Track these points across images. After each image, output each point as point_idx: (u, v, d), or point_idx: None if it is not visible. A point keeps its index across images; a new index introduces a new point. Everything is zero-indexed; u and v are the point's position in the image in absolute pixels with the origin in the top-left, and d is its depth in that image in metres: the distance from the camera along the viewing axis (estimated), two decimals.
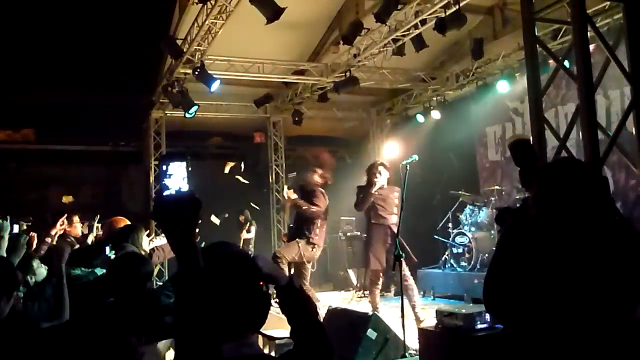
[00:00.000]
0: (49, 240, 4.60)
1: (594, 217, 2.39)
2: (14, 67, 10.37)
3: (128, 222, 5.99)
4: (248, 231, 11.40)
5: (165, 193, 1.55)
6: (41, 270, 4.08)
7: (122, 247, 4.54)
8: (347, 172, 11.35)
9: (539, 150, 4.31)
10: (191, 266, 1.51)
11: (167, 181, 1.56)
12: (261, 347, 1.92)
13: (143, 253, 4.89)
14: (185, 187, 1.56)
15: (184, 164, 1.60)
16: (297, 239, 7.14)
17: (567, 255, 2.30)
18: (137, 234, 4.81)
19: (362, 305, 8.38)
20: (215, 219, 6.44)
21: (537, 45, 4.61)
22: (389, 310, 7.39)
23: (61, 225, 4.74)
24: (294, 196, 7.08)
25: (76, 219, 6.17)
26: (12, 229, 4.68)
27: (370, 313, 5.77)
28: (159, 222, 1.58)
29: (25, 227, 4.73)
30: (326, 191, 7.47)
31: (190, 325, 1.49)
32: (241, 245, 11.00)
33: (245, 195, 12.69)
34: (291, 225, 7.53)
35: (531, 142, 3.36)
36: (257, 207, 11.51)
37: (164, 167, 1.59)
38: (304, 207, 7.00)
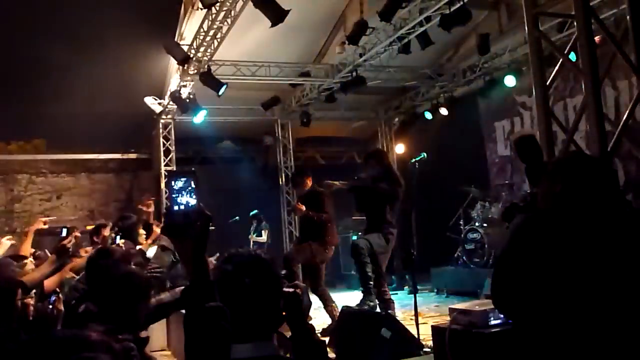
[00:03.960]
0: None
1: (603, 211, 2.40)
2: (23, 79, 10.47)
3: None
4: (259, 235, 11.40)
5: (175, 208, 1.61)
6: None
7: None
8: (356, 173, 11.36)
9: (546, 145, 4.32)
10: (201, 278, 1.56)
11: (175, 197, 1.62)
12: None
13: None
14: (193, 202, 1.61)
15: (191, 179, 1.66)
16: (310, 241, 7.17)
17: (576, 251, 2.31)
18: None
19: None
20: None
21: (542, 40, 4.62)
22: (402, 309, 7.42)
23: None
24: (303, 208, 7.13)
25: (106, 231, 6.25)
26: (61, 232, 4.97)
27: (384, 312, 5.79)
28: (169, 236, 1.64)
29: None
30: (336, 191, 7.53)
31: (201, 333, 1.54)
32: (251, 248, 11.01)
33: (257, 199, 12.75)
34: (302, 227, 7.59)
35: (536, 138, 3.36)
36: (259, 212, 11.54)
37: (172, 183, 1.64)
38: (315, 219, 7.07)
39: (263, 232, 11.35)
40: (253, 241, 11.20)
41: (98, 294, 2.83)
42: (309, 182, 7.48)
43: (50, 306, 3.80)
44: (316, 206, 7.15)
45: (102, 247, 4.42)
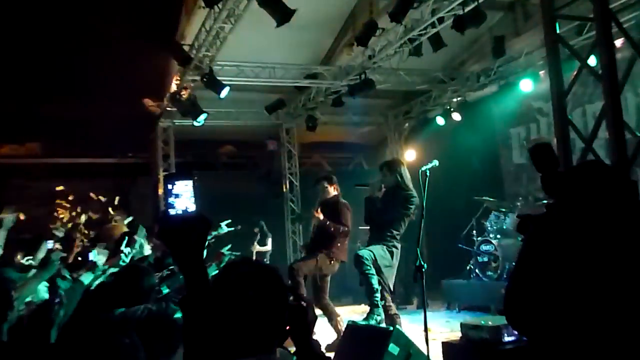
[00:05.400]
0: None
1: (620, 224, 2.41)
2: (18, 79, 10.53)
3: (124, 228, 6.16)
4: (263, 244, 11.46)
5: (172, 213, 1.61)
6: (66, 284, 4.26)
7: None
8: (364, 179, 11.38)
9: (563, 153, 4.34)
10: (200, 288, 1.57)
11: (172, 200, 1.62)
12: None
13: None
14: (192, 208, 1.62)
15: (190, 182, 1.66)
16: (317, 252, 7.21)
17: (591, 264, 2.32)
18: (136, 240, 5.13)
19: None
20: (225, 227, 6.47)
21: (560, 44, 4.65)
22: (411, 324, 7.41)
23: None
24: (321, 216, 7.16)
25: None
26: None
27: (392, 327, 5.78)
28: (165, 242, 1.65)
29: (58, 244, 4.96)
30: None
31: (200, 347, 1.55)
32: (254, 257, 11.07)
33: (259, 206, 12.78)
34: (313, 236, 7.61)
35: (552, 145, 3.38)
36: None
37: (170, 186, 1.65)
38: (332, 229, 7.10)
39: (267, 240, 11.41)
40: (256, 251, 11.23)
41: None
42: (333, 189, 7.51)
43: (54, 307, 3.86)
44: (333, 217, 7.18)
45: (135, 265, 4.49)
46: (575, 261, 2.35)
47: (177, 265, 1.65)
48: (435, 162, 6.21)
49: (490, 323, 4.85)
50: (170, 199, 1.63)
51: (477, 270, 9.77)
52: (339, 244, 7.22)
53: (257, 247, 11.37)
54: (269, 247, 11.50)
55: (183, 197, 1.64)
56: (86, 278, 4.21)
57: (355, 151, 15.83)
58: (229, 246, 5.82)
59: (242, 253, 10.63)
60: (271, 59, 10.34)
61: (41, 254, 5.17)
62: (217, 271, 4.82)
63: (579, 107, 9.52)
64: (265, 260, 11.30)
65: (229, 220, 6.35)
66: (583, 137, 4.76)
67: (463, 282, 10.16)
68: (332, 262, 7.21)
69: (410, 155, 12.92)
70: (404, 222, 6.67)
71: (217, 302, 1.73)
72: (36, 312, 3.95)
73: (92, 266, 4.34)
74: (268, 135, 14.02)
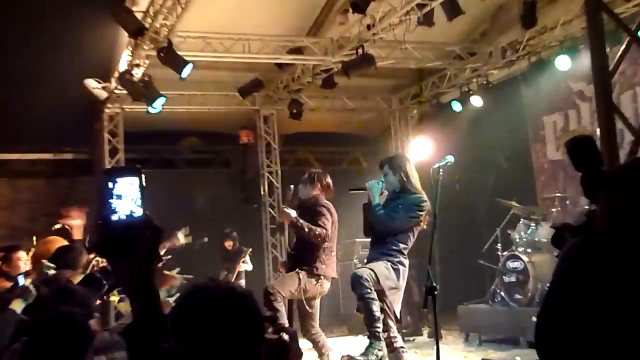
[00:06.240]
0: None
1: None
2: None
3: (64, 242, 6.11)
4: (234, 261, 11.46)
5: (113, 219, 1.59)
6: None
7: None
8: (361, 180, 11.40)
9: (608, 148, 4.36)
10: (150, 312, 1.56)
11: (114, 203, 1.59)
12: None
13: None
14: (139, 212, 1.60)
15: (136, 179, 1.64)
16: (298, 270, 7.16)
17: None
18: (77, 257, 5.05)
19: None
20: (182, 237, 6.48)
21: (603, 12, 4.67)
22: (422, 358, 7.45)
23: None
24: (293, 213, 7.05)
25: (21, 254, 6.26)
26: None
27: None
28: (104, 256, 1.64)
29: None
30: (335, 205, 7.49)
31: None
32: (234, 278, 11.05)
33: (230, 213, 12.76)
34: (292, 251, 7.56)
35: (595, 140, 3.39)
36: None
37: (110, 185, 1.62)
38: (305, 230, 6.98)
39: (246, 257, 11.42)
40: (239, 271, 11.25)
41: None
42: (313, 189, 7.42)
43: None
44: (310, 218, 7.11)
45: (63, 287, 4.45)
46: (624, 283, 2.35)
47: (120, 286, 1.62)
48: (451, 158, 6.24)
49: (518, 359, 4.88)
50: (111, 201, 1.61)
51: (502, 293, 9.79)
52: (324, 257, 7.16)
53: (241, 267, 11.35)
54: (249, 265, 11.51)
55: (127, 199, 1.61)
56: (18, 305, 4.20)
57: (351, 145, 15.85)
58: (178, 269, 5.79)
59: (209, 274, 10.65)
60: (245, 29, 10.32)
61: None
62: (168, 297, 4.80)
63: (629, 89, 9.58)
64: (241, 281, 11.29)
65: (187, 228, 6.31)
66: (633, 128, 4.79)
67: (485, 307, 10.18)
68: (319, 281, 7.15)
69: (419, 149, 12.94)
70: (412, 232, 6.68)
71: (175, 334, 1.72)
72: None
73: (23, 291, 4.33)
74: (242, 125, 14.00)
